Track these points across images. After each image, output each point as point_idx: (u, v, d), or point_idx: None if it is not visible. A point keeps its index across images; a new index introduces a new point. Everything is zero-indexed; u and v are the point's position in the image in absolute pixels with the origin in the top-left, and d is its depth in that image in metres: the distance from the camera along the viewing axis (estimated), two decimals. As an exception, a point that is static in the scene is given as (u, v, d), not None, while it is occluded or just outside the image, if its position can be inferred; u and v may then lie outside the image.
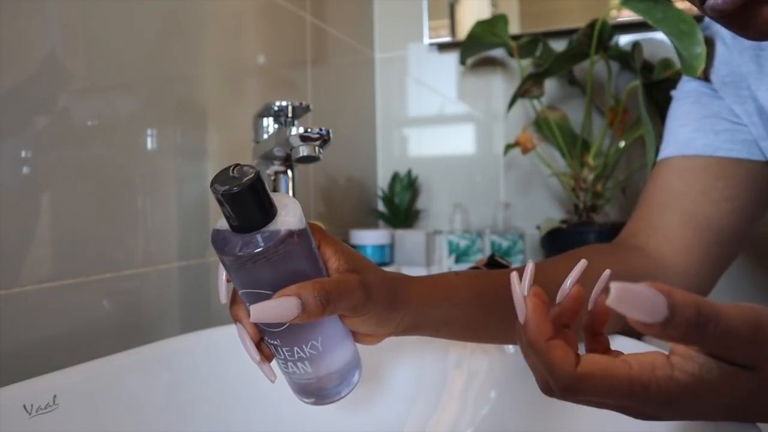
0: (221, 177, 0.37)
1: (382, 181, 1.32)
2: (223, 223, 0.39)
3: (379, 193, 1.29)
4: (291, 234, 0.38)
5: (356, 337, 0.45)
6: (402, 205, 1.23)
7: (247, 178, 0.36)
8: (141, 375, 0.53)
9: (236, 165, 0.38)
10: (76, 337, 0.61)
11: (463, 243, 1.14)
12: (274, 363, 0.44)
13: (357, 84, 1.27)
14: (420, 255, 1.15)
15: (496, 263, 0.85)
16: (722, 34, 0.68)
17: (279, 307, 0.37)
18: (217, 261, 0.41)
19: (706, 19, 0.72)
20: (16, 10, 0.56)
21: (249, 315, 0.40)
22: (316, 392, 0.44)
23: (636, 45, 0.99)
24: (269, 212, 0.38)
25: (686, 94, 0.69)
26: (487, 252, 1.13)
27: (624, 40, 1.12)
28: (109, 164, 0.66)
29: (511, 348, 0.62)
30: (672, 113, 0.70)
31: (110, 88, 0.66)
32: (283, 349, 0.42)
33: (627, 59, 1.05)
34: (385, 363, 0.64)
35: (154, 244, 0.71)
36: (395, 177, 1.26)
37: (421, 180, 1.29)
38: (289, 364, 0.42)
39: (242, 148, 0.79)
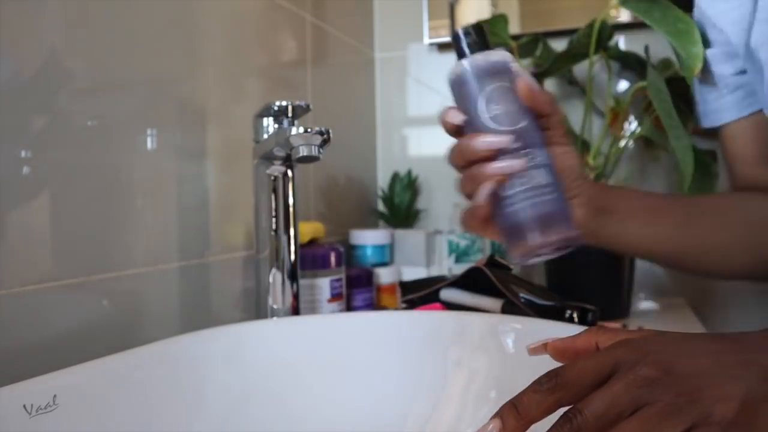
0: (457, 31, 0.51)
1: (382, 181, 1.32)
2: (457, 67, 0.51)
3: (379, 193, 1.29)
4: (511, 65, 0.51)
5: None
6: (402, 205, 1.23)
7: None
8: (141, 375, 0.53)
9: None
10: (76, 337, 0.61)
11: (463, 243, 1.14)
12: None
13: (357, 84, 1.27)
14: (420, 255, 1.15)
15: (496, 263, 0.86)
16: None
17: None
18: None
19: None
20: (16, 10, 0.56)
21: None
22: (546, 217, 0.48)
23: (646, 47, 0.99)
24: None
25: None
26: (487, 252, 1.12)
27: (624, 39, 1.12)
28: (109, 164, 0.66)
29: (511, 348, 0.62)
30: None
31: (110, 88, 0.66)
32: (523, 153, 0.49)
33: (626, 59, 1.05)
34: (385, 363, 0.64)
35: (154, 244, 0.71)
36: (395, 177, 1.26)
37: (421, 180, 1.29)
38: (524, 180, 0.48)
39: (242, 148, 0.79)
